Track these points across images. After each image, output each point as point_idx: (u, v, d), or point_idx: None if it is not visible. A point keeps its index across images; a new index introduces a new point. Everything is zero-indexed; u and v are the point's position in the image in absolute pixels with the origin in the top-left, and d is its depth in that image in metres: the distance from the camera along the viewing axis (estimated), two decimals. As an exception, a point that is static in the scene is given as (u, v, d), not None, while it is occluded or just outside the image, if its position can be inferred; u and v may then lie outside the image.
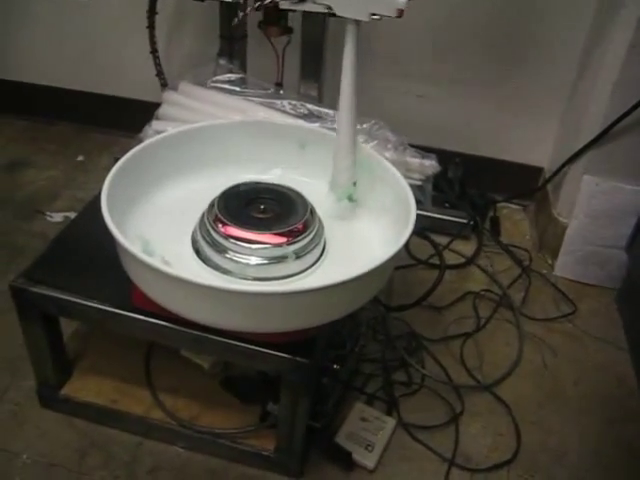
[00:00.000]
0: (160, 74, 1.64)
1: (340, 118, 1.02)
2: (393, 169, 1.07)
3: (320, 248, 1.00)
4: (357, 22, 0.93)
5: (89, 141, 1.98)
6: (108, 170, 1.01)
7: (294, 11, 0.95)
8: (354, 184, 1.07)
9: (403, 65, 1.73)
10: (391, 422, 1.20)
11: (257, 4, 0.86)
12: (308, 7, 0.88)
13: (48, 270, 1.06)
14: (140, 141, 1.15)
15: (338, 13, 0.87)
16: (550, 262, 1.64)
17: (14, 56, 1.97)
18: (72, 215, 1.63)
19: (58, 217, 1.66)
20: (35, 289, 1.03)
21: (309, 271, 0.98)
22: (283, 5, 0.87)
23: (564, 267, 1.61)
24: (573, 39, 1.61)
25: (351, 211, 1.10)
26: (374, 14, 0.89)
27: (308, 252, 0.97)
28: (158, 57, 1.63)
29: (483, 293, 1.53)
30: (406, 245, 0.94)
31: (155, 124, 1.30)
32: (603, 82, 1.43)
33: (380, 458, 1.15)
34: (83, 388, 1.18)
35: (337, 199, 1.07)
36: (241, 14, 0.89)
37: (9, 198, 1.72)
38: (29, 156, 1.89)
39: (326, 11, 0.91)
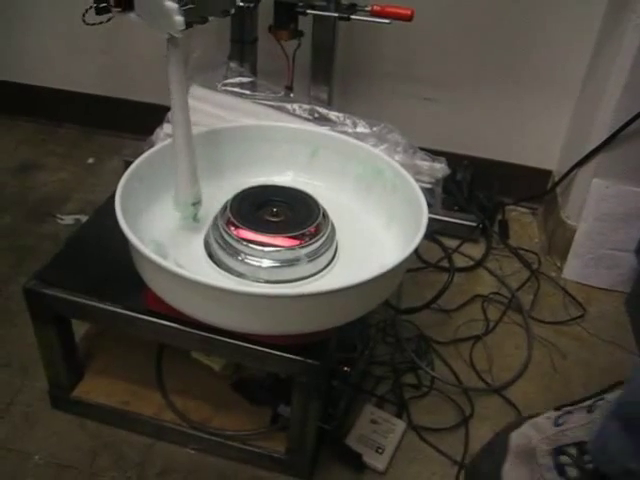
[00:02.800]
0: (170, 77, 1.65)
1: (175, 138, 0.99)
2: (404, 172, 1.08)
3: (332, 251, 1.01)
4: (172, 39, 0.89)
5: (99, 144, 1.99)
6: (118, 173, 1.01)
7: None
8: (194, 205, 1.04)
9: (412, 68, 1.74)
10: (401, 424, 1.21)
11: (93, 6, 0.88)
12: (132, 18, 0.87)
13: (61, 272, 1.07)
14: (151, 144, 1.16)
15: (150, 28, 0.87)
16: (559, 265, 1.64)
17: (23, 59, 1.98)
18: (83, 218, 1.64)
19: (69, 219, 1.66)
20: (48, 291, 1.04)
21: (321, 274, 0.98)
22: (113, 12, 0.88)
23: (573, 270, 1.61)
24: (582, 42, 1.61)
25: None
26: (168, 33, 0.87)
27: (320, 255, 0.98)
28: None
29: (492, 296, 1.53)
30: (416, 248, 0.94)
31: (167, 127, 1.31)
32: (612, 85, 1.43)
33: (390, 460, 1.15)
34: (94, 390, 1.19)
35: (181, 217, 1.05)
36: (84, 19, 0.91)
37: (20, 200, 1.73)
38: (39, 158, 1.90)
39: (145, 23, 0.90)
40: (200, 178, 1.13)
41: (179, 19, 0.82)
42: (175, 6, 0.82)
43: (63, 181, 1.82)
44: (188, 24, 0.84)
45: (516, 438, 1.09)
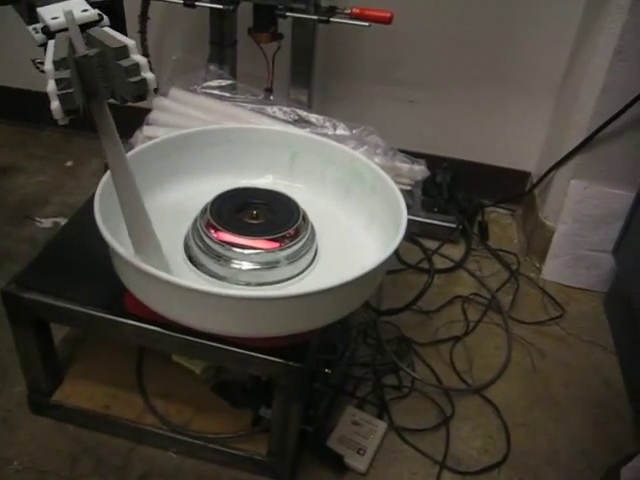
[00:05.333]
0: (150, 80, 1.64)
1: (123, 202, 0.87)
2: (384, 174, 1.08)
3: (312, 253, 1.01)
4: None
5: (78, 146, 1.98)
6: (97, 175, 1.01)
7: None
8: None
9: (392, 71, 1.75)
10: (382, 425, 1.21)
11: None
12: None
13: (39, 275, 1.06)
14: (131, 147, 1.16)
15: None
16: (538, 266, 1.66)
17: (2, 61, 1.96)
18: (62, 221, 1.63)
19: (48, 223, 1.65)
20: (26, 294, 1.03)
21: (301, 276, 0.99)
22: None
23: (552, 271, 1.63)
24: (560, 44, 1.63)
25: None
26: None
27: (300, 257, 0.98)
28: (149, 62, 1.64)
29: (472, 297, 1.54)
30: (396, 250, 0.95)
31: (146, 130, 1.31)
32: (589, 87, 1.45)
33: (372, 461, 1.16)
34: (74, 393, 1.18)
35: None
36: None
37: (-2, 203, 1.72)
38: (18, 161, 1.89)
39: None
40: (180, 180, 1.14)
41: (54, 105, 0.67)
42: (52, 88, 0.66)
43: (42, 184, 1.81)
44: (68, 111, 0.68)
45: (627, 473, 1.08)
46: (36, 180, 1.82)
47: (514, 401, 1.31)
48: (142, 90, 0.68)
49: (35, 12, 0.74)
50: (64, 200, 1.74)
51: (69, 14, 0.68)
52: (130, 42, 0.69)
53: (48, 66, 0.65)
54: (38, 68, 0.75)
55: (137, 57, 0.68)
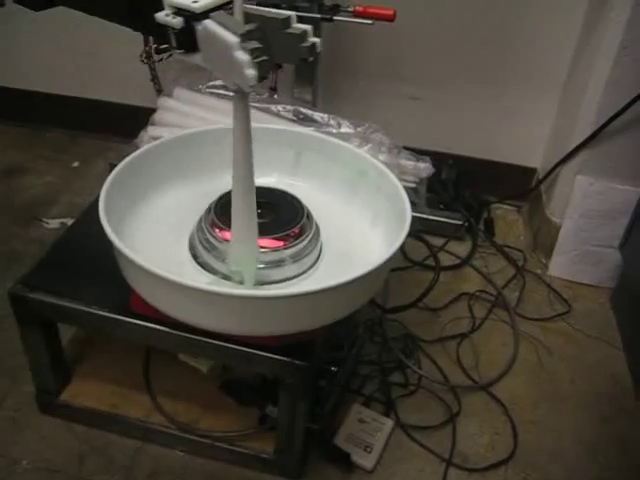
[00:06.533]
0: (155, 80, 1.65)
1: (234, 197, 0.90)
2: (388, 172, 1.08)
3: (317, 252, 1.01)
4: (239, 92, 0.79)
5: (84, 147, 1.99)
6: (103, 176, 1.01)
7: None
8: (244, 269, 0.95)
9: (397, 68, 1.74)
10: (389, 423, 1.21)
11: (154, 47, 0.82)
12: (197, 60, 0.77)
13: (46, 276, 1.07)
14: (136, 147, 1.16)
15: (216, 76, 0.80)
16: (544, 262, 1.65)
17: (8, 63, 1.97)
18: (69, 221, 1.64)
19: (55, 223, 1.66)
20: (33, 295, 1.04)
21: (306, 274, 0.99)
22: (175, 55, 0.82)
23: (558, 267, 1.62)
24: (565, 40, 1.62)
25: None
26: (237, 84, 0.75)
27: (305, 256, 0.98)
28: (153, 62, 1.64)
29: (478, 294, 1.54)
30: (401, 247, 0.95)
31: (151, 130, 1.31)
32: (595, 82, 1.44)
33: (379, 459, 1.16)
34: (82, 393, 1.19)
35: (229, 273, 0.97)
36: (141, 59, 0.82)
37: (6, 204, 1.72)
38: (25, 162, 1.90)
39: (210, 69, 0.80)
40: (185, 180, 1.14)
41: (251, 73, 0.68)
42: (247, 58, 0.68)
43: (49, 185, 1.82)
44: (261, 77, 0.71)
45: None
46: (43, 181, 1.83)
47: (521, 398, 1.31)
48: (313, 52, 0.76)
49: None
50: (71, 201, 1.75)
51: None
52: (291, 13, 0.76)
53: (235, 38, 0.69)
54: (144, 61, 0.77)
55: (301, 25, 0.76)
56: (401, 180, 1.10)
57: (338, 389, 1.20)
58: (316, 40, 0.76)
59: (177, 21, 0.74)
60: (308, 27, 0.76)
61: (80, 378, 1.21)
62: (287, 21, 0.75)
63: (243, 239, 0.92)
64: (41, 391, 1.18)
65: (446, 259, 1.64)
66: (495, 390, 1.32)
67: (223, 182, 1.09)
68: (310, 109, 1.33)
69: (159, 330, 0.99)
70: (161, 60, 0.79)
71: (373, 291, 1.00)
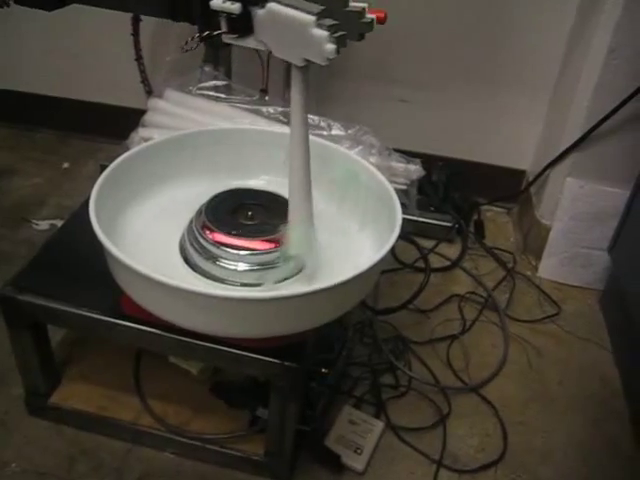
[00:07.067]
0: (145, 81, 1.65)
1: (292, 173, 0.92)
2: (378, 174, 1.08)
3: (307, 253, 1.01)
4: (301, 67, 0.83)
5: (74, 148, 1.98)
6: (93, 177, 1.01)
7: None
8: (304, 252, 0.96)
9: (387, 70, 1.75)
10: (379, 425, 1.21)
11: (198, 35, 0.84)
12: (250, 44, 0.83)
13: (35, 278, 1.06)
14: (126, 148, 1.16)
15: (275, 54, 0.84)
16: (534, 264, 1.66)
17: (-2, 64, 1.97)
18: (58, 223, 1.63)
19: (44, 225, 1.65)
20: (22, 297, 1.03)
21: (297, 277, 0.99)
22: (225, 39, 0.85)
23: (548, 269, 1.63)
24: (555, 43, 1.63)
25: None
26: (307, 60, 0.80)
27: (295, 258, 0.98)
28: (143, 64, 1.64)
29: (468, 295, 1.55)
30: (392, 249, 0.95)
31: (141, 131, 1.31)
32: (584, 84, 1.45)
33: (369, 461, 1.16)
34: (72, 395, 1.18)
35: (283, 259, 0.97)
36: (185, 47, 0.85)
37: (-5, 206, 1.72)
38: (14, 164, 1.89)
39: (265, 49, 0.86)
40: (175, 182, 1.14)
41: (330, 47, 0.74)
42: (325, 34, 0.74)
43: (39, 186, 1.81)
44: (337, 51, 0.76)
45: None
46: (32, 182, 1.82)
47: (511, 399, 1.32)
48: (371, 27, 0.79)
49: None
50: (60, 202, 1.74)
51: None
52: None
53: (311, 17, 0.74)
54: (186, 49, 0.78)
55: (358, 3, 0.78)
56: (392, 182, 1.10)
57: (328, 391, 1.20)
58: (374, 16, 0.79)
59: (236, 7, 0.78)
60: (365, 4, 0.78)
61: (70, 380, 1.20)
62: (345, 1, 0.78)
63: (302, 219, 0.94)
64: (30, 393, 1.18)
65: (436, 261, 1.64)
66: (485, 391, 1.32)
67: (215, 185, 1.09)
68: (301, 111, 1.33)
69: (150, 332, 0.98)
70: (189, 50, 0.81)
71: (364, 293, 1.00)
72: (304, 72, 0.84)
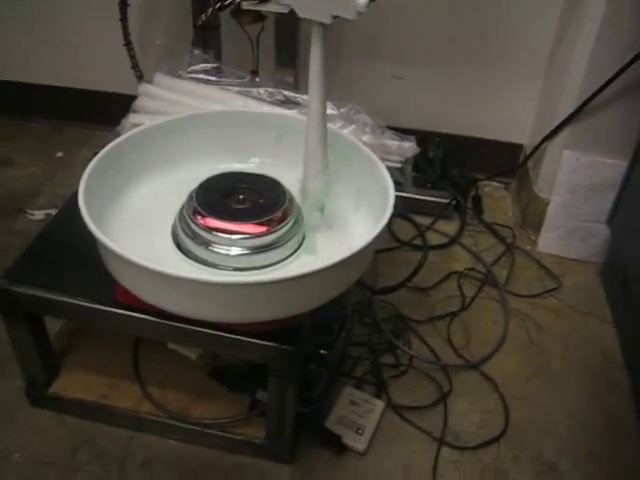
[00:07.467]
0: (135, 66, 1.63)
1: (310, 124, 0.97)
2: (369, 152, 1.07)
3: (300, 236, 1.00)
4: (322, 24, 0.88)
5: (67, 137, 1.97)
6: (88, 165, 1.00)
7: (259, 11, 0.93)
8: (324, 194, 1.04)
9: (380, 47, 1.73)
10: (380, 404, 1.21)
11: (218, 4, 0.84)
12: (271, 7, 0.85)
13: (31, 268, 1.06)
14: (118, 135, 1.15)
15: (300, 15, 0.84)
16: (533, 238, 1.65)
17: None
18: (54, 212, 1.61)
19: (40, 214, 1.65)
20: (18, 288, 1.03)
21: (290, 259, 0.98)
22: (245, 5, 0.85)
23: (547, 243, 1.62)
24: (548, 14, 1.61)
25: (323, 223, 1.07)
26: (335, 16, 0.84)
27: (288, 240, 0.97)
28: (132, 49, 1.62)
29: (467, 272, 1.54)
30: (389, 227, 0.94)
31: (132, 117, 1.30)
32: (579, 56, 1.43)
33: (370, 440, 1.16)
34: (72, 385, 1.18)
35: (307, 211, 1.04)
36: (203, 16, 0.86)
37: (-11, 197, 1.71)
38: (8, 154, 1.87)
39: (287, 12, 0.88)
40: (167, 167, 1.13)
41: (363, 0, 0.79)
42: None
43: (33, 176, 1.80)
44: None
45: None
46: (26, 172, 1.81)
47: (512, 375, 1.31)
48: None
49: None
50: (55, 191, 1.73)
51: None
52: None
53: None
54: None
55: None
56: (386, 160, 1.09)
57: (328, 372, 1.20)
58: None
59: None
60: None
61: (69, 370, 1.20)
62: None
63: (321, 169, 0.99)
64: (30, 384, 1.18)
65: (435, 238, 1.63)
66: (486, 368, 1.32)
67: (206, 169, 1.08)
68: (292, 91, 1.32)
69: (145, 320, 0.98)
70: (203, 22, 0.82)
71: (359, 273, 0.99)
72: (325, 29, 0.87)
